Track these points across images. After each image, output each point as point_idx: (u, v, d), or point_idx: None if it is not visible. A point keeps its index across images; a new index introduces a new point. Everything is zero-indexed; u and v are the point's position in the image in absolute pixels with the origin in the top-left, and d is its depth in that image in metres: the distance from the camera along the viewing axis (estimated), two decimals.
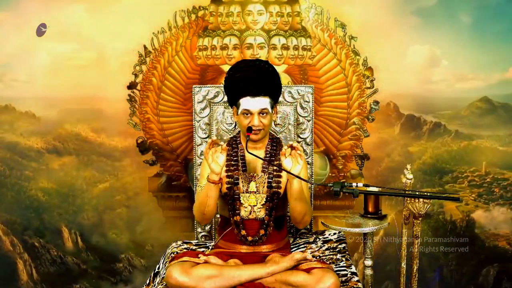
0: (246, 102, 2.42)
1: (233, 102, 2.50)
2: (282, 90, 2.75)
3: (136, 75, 3.47)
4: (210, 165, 2.33)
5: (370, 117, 3.49)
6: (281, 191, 2.51)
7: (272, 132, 2.70)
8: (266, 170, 2.52)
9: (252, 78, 2.41)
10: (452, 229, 3.57)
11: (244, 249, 2.51)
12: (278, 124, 2.93)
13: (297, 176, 2.27)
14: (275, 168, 2.50)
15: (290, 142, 2.33)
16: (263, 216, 2.51)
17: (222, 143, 2.37)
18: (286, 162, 2.30)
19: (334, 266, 2.53)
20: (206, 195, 2.39)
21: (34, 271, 3.61)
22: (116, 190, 3.56)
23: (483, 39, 3.47)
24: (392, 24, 3.43)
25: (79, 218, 3.58)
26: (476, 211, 3.58)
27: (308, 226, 2.98)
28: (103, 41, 3.45)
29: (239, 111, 2.45)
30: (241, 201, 2.51)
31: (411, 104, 3.53)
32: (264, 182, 2.52)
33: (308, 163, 2.86)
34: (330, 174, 3.53)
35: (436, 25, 3.44)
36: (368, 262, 2.78)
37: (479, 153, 3.55)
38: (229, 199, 2.51)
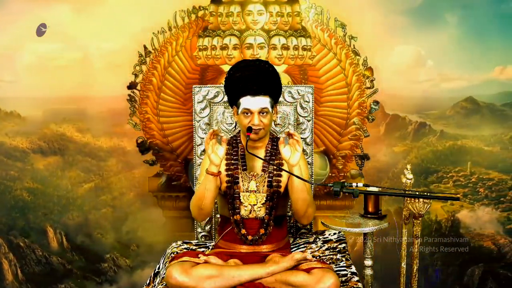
0: (246, 101, 2.42)
1: (233, 101, 2.51)
2: (282, 90, 2.75)
3: (136, 75, 3.47)
4: (210, 156, 2.32)
5: (370, 117, 3.49)
6: (282, 190, 2.52)
7: (272, 132, 2.70)
8: (266, 169, 2.53)
9: (252, 77, 2.42)
10: (437, 229, 3.57)
11: (244, 248, 2.51)
12: (278, 124, 2.93)
13: (298, 177, 2.28)
14: (275, 167, 2.50)
15: (287, 130, 2.34)
16: (263, 215, 2.51)
17: (222, 134, 2.37)
18: (285, 151, 2.32)
19: (334, 266, 2.53)
20: (204, 188, 2.38)
21: (19, 271, 3.60)
22: (101, 190, 3.56)
23: (468, 39, 3.47)
24: (379, 24, 3.43)
25: (64, 218, 3.57)
26: (461, 211, 3.58)
27: (308, 226, 2.98)
28: (90, 41, 3.45)
29: (239, 110, 2.45)
30: (241, 200, 2.51)
31: (396, 104, 3.52)
32: (264, 181, 2.52)
33: (308, 163, 2.86)
34: (330, 174, 3.53)
35: (421, 25, 3.45)
36: (368, 262, 2.78)
37: (464, 153, 3.56)
38: (229, 198, 2.52)
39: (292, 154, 2.30)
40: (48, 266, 3.60)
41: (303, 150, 2.92)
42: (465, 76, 3.51)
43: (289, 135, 2.32)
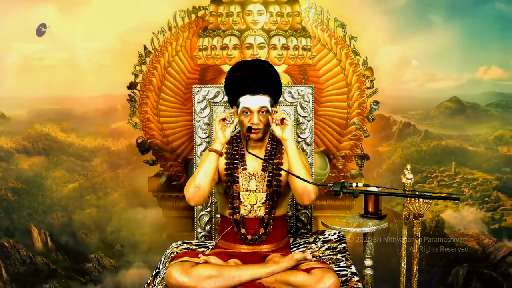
0: (246, 100, 2.44)
1: (233, 101, 2.51)
2: (282, 90, 2.75)
3: (136, 75, 3.47)
4: (217, 132, 2.38)
5: (370, 117, 3.49)
6: (281, 189, 2.52)
7: (272, 132, 2.70)
8: (266, 168, 2.53)
9: (251, 76, 2.43)
10: (422, 229, 3.52)
11: (244, 248, 2.51)
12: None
13: (298, 177, 2.28)
14: (275, 167, 2.51)
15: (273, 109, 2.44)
16: (263, 214, 2.51)
17: (233, 118, 2.46)
18: (277, 129, 2.40)
19: (334, 266, 2.53)
20: (205, 167, 2.38)
21: (3, 271, 3.59)
22: (85, 190, 3.56)
23: (453, 40, 3.46)
24: (362, 24, 3.43)
25: (48, 218, 3.57)
26: (446, 211, 3.58)
27: (308, 226, 2.98)
28: (75, 41, 3.46)
29: (239, 109, 2.46)
30: (241, 200, 2.51)
31: (381, 104, 3.50)
32: (264, 181, 2.53)
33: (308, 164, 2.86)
34: (330, 174, 3.53)
35: (407, 25, 3.45)
36: (368, 262, 2.78)
37: (449, 153, 3.56)
38: (229, 197, 2.52)
39: (283, 130, 2.37)
40: (32, 266, 3.60)
41: (303, 150, 2.93)
42: (449, 76, 3.51)
43: (278, 118, 2.40)
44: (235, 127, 2.48)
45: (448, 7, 3.47)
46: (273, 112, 2.44)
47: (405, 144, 3.56)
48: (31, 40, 3.44)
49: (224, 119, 2.42)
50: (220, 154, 2.41)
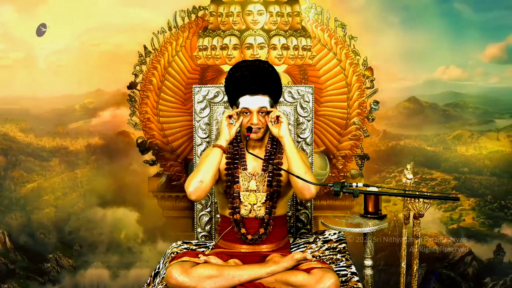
0: (245, 101, 2.44)
1: (233, 101, 2.52)
2: (282, 90, 2.75)
3: (136, 75, 3.47)
4: (224, 129, 2.40)
5: (370, 117, 3.49)
6: (281, 189, 2.52)
7: None
8: (267, 169, 2.53)
9: (251, 76, 2.43)
10: (380, 229, 3.55)
11: (244, 248, 2.52)
12: None
13: (298, 177, 2.28)
14: (275, 167, 2.51)
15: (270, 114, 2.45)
16: (263, 214, 2.51)
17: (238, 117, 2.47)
18: (273, 128, 2.42)
19: (334, 266, 2.53)
20: (208, 162, 2.38)
21: None
22: (44, 190, 3.56)
23: (411, 39, 3.44)
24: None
25: (7, 218, 3.56)
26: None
27: (308, 226, 2.98)
28: (34, 41, 3.44)
29: (239, 110, 2.46)
30: (241, 200, 2.51)
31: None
32: (264, 181, 2.53)
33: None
34: (330, 174, 3.53)
35: (365, 25, 3.43)
36: (368, 262, 2.78)
37: (407, 153, 3.54)
38: (229, 197, 2.52)
39: (279, 128, 2.39)
40: None
41: (303, 150, 2.93)
42: (407, 76, 3.50)
43: (274, 117, 2.42)
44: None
45: (406, 6, 3.46)
46: (270, 119, 2.44)
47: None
48: None
49: (230, 116, 2.43)
50: (224, 151, 2.41)
